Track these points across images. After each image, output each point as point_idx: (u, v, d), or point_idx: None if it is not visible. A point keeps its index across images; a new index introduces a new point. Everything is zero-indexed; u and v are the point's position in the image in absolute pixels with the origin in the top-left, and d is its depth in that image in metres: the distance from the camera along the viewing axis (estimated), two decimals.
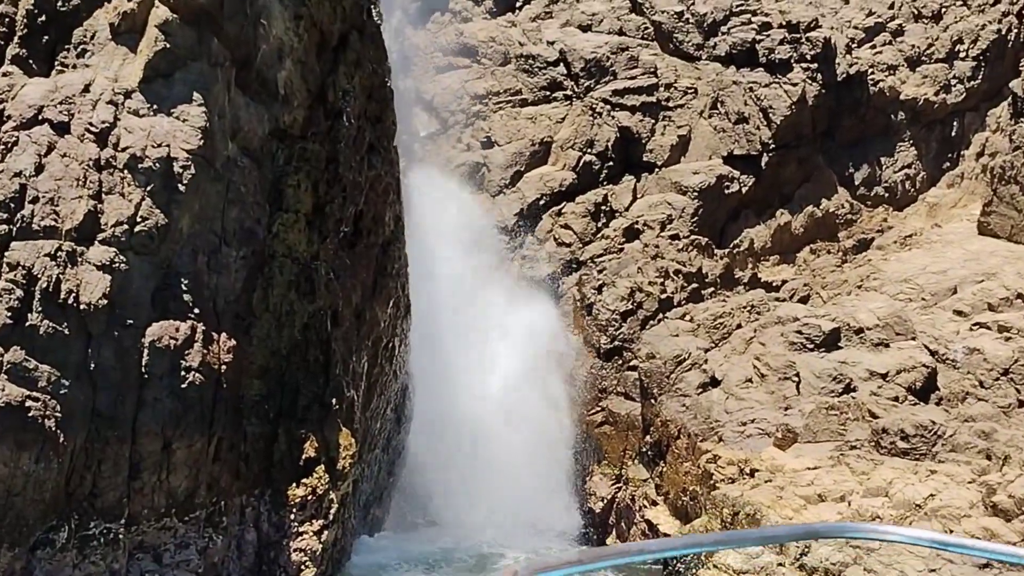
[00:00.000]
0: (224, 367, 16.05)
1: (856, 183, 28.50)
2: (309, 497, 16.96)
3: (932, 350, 21.91)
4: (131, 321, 15.02)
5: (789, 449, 18.94)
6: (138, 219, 15.26)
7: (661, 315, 24.65)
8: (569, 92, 28.28)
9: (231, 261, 16.75)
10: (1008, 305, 23.03)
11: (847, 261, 26.82)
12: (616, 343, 24.49)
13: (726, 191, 27.35)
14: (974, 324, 22.54)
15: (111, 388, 14.80)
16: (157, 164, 15.52)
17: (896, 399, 20.31)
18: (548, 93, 28.39)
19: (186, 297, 15.72)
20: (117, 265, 14.96)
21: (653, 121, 27.93)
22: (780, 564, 15.47)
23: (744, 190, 27.47)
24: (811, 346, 22.34)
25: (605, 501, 23.44)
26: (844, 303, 24.06)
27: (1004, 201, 24.83)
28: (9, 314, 14.04)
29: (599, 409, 24.20)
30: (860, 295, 24.65)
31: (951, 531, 14.94)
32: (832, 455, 17.87)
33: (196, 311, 15.78)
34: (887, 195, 28.48)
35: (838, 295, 25.00)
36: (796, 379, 21.63)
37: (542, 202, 27.60)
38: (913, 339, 22.35)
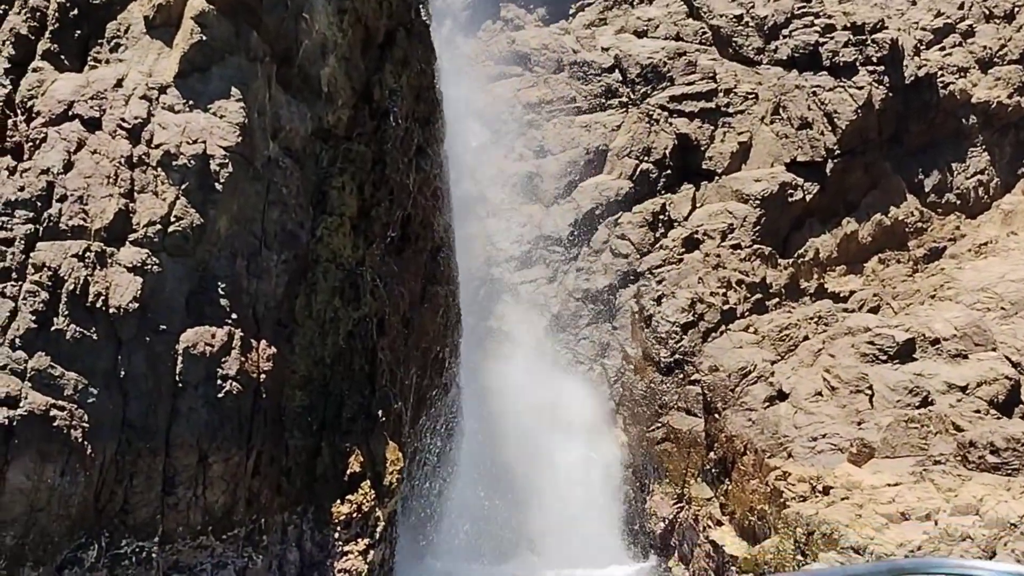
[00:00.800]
0: (264, 376, 14.99)
1: (926, 190, 27.00)
2: (354, 514, 15.82)
3: (1014, 361, 20.38)
4: (164, 327, 14.01)
5: (865, 465, 17.51)
6: (172, 219, 14.28)
7: (723, 327, 23.32)
8: (625, 99, 27.13)
9: (272, 265, 15.73)
10: None
11: (918, 270, 25.33)
12: (677, 356, 23.18)
13: (789, 199, 25.99)
14: None
15: (142, 397, 13.78)
16: (192, 162, 14.55)
17: (978, 412, 18.81)
18: (603, 100, 27.26)
19: (223, 302, 14.69)
20: (149, 267, 13.97)
21: (712, 128, 26.68)
22: None
23: (808, 198, 26.10)
24: (884, 358, 20.90)
25: (667, 521, 22.07)
26: (918, 313, 22.58)
27: None
28: (33, 318, 13.07)
29: (659, 425, 22.87)
30: (934, 305, 23.15)
31: None
32: (914, 471, 16.44)
33: (234, 316, 14.75)
34: (959, 202, 26.95)
35: (910, 305, 23.52)
36: (869, 392, 20.19)
37: (597, 212, 26.43)
38: (993, 350, 20.84)
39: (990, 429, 16.64)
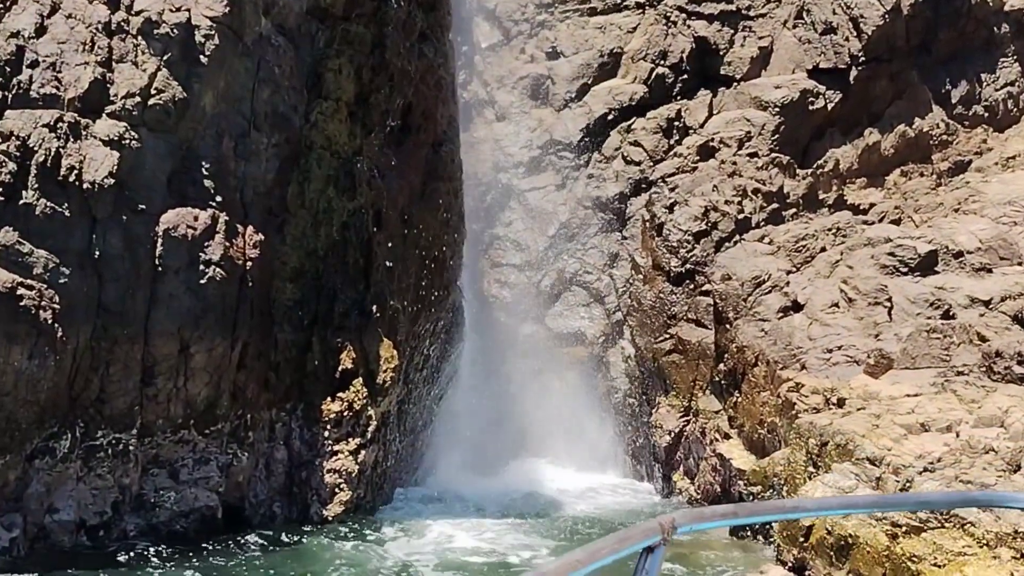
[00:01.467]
0: (250, 264, 14.05)
1: (953, 101, 25.68)
2: (345, 413, 14.98)
3: None
4: (143, 206, 13.05)
5: (883, 376, 16.57)
6: (152, 91, 13.25)
7: (738, 236, 22.25)
8: (641, 0, 25.76)
9: (262, 148, 14.72)
10: None
11: (942, 184, 24.15)
12: (688, 266, 22.15)
13: (810, 107, 24.72)
14: None
15: (119, 280, 12.87)
16: (175, 31, 13.47)
17: (1003, 325, 17.81)
18: (619, 1, 25.89)
19: (207, 183, 13.71)
20: (128, 142, 12.97)
21: (732, 31, 25.32)
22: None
23: (830, 107, 24.82)
24: (905, 270, 19.88)
25: (672, 435, 21.23)
26: (941, 225, 21.49)
27: None
28: (0, 190, 12.11)
29: (667, 336, 21.93)
30: (958, 218, 22.04)
31: None
32: (935, 381, 15.48)
33: (219, 199, 13.78)
34: (987, 115, 25.65)
35: (933, 218, 22.41)
36: (888, 304, 19.19)
37: (610, 117, 25.23)
38: (1019, 264, 19.79)
39: (1018, 339, 15.65)
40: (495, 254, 24.63)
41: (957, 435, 13.87)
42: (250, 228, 14.09)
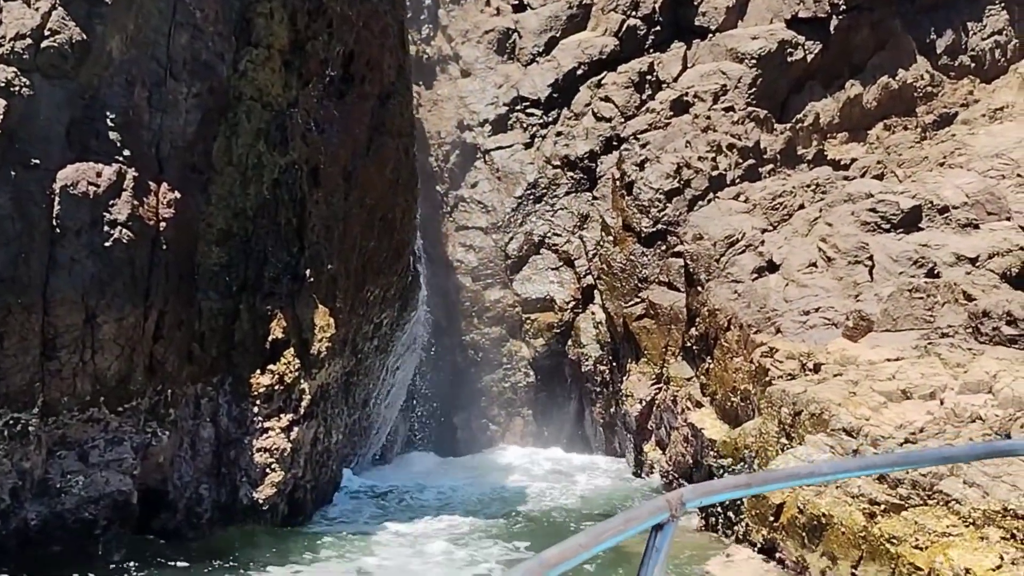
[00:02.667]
0: (164, 225, 12.60)
1: (938, 52, 24.22)
2: (276, 387, 13.58)
3: None
4: (36, 160, 11.58)
5: (862, 339, 15.20)
6: (46, 32, 11.74)
7: (712, 195, 20.84)
8: None
9: (180, 98, 13.23)
10: None
11: (927, 137, 22.72)
12: (659, 226, 20.74)
13: (789, 59, 23.26)
14: None
15: (9, 243, 11.41)
16: None
17: (991, 284, 16.44)
18: None
19: (113, 135, 12.23)
20: (17, 88, 11.48)
21: None
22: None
23: (809, 58, 23.37)
24: (887, 226, 18.45)
25: (644, 403, 19.88)
26: (925, 180, 20.06)
27: None
28: None
29: (638, 300, 20.54)
30: (943, 172, 20.61)
31: None
32: (918, 344, 14.11)
33: (126, 153, 12.30)
34: (973, 65, 24.19)
35: (917, 173, 21.00)
36: (869, 263, 17.79)
37: (580, 72, 23.78)
38: (1008, 219, 18.39)
39: (1006, 298, 14.26)
40: (459, 216, 23.21)
41: (941, 403, 12.52)
42: (164, 186, 12.64)
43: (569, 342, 22.21)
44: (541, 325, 22.40)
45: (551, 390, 22.23)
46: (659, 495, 2.70)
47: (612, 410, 21.19)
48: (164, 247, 12.56)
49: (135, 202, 12.17)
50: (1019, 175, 19.91)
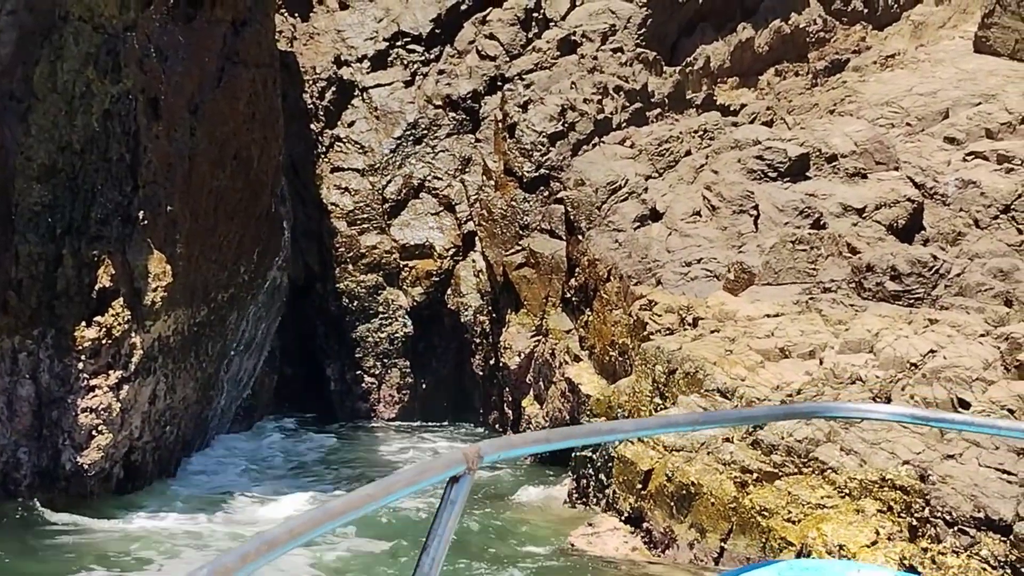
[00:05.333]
0: None
1: None
2: (103, 340, 12.12)
3: (918, 183, 17.20)
4: None
5: (743, 293, 14.29)
6: None
7: (597, 139, 19.71)
8: None
9: None
10: (1010, 131, 18.30)
11: (818, 84, 21.89)
12: (542, 171, 19.59)
13: (680, 1, 22.17)
14: (969, 153, 17.81)
15: None
16: None
17: (877, 236, 15.68)
18: None
19: None
20: None
21: None
22: (727, 440, 10.92)
23: (701, 0, 22.31)
24: (774, 175, 17.55)
25: (523, 356, 18.82)
26: (814, 127, 19.18)
27: (1008, 11, 19.86)
28: None
29: (519, 248, 19.40)
30: (833, 120, 19.77)
31: (962, 399, 10.39)
32: (799, 299, 13.22)
33: None
34: (866, 11, 23.40)
35: (806, 120, 20.14)
36: (754, 213, 16.90)
37: (464, 7, 22.35)
38: (896, 169, 17.64)
39: (891, 251, 13.44)
40: (335, 157, 21.70)
41: (820, 362, 11.63)
42: None
43: (449, 291, 21.03)
44: (420, 273, 21.15)
45: (429, 341, 21.06)
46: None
47: (491, 362, 20.12)
48: None
49: None
50: (908, 124, 19.19)
